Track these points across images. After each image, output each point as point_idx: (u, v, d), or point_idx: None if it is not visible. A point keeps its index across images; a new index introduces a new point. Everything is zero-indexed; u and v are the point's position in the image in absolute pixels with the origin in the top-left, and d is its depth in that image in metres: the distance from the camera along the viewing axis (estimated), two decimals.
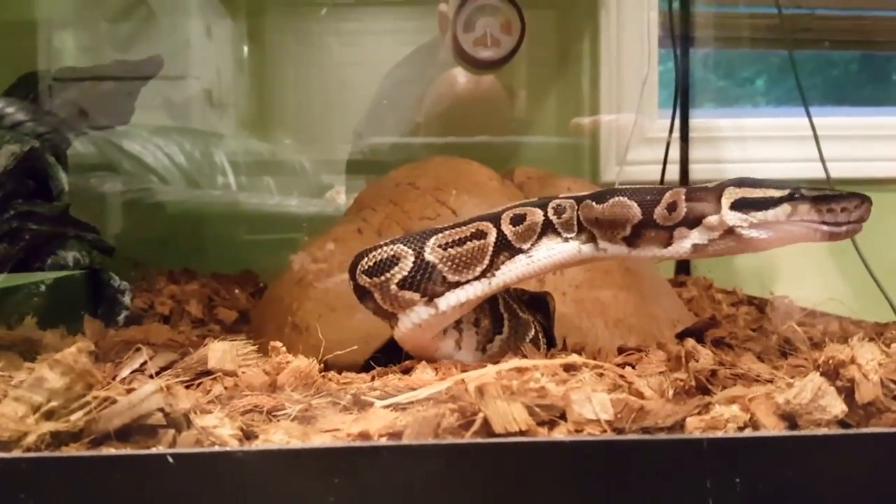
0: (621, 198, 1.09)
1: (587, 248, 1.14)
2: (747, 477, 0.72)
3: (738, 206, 1.00)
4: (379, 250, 1.12)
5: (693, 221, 1.05)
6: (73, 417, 0.74)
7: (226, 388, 0.98)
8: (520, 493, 0.75)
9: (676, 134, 2.28)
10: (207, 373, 1.02)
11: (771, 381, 1.01)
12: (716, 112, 2.41)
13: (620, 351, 1.22)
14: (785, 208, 0.98)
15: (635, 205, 1.08)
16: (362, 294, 1.15)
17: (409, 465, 0.74)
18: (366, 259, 1.12)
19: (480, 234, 1.13)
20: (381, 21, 2.38)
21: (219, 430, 0.75)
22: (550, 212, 1.15)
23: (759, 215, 0.99)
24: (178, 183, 2.26)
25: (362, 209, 1.62)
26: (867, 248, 1.90)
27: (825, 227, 0.97)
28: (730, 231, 1.02)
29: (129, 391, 0.75)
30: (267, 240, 2.22)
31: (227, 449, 0.73)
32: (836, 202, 0.96)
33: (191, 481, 0.71)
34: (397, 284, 1.10)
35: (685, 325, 1.48)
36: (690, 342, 1.03)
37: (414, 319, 1.12)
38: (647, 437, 0.76)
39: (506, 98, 2.29)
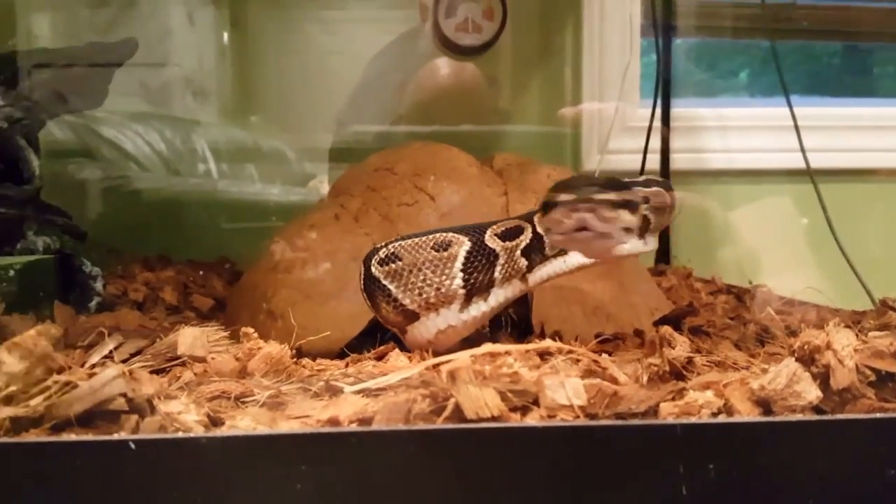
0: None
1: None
2: (721, 463, 0.71)
3: None
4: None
5: None
6: (33, 402, 0.72)
7: (195, 374, 0.97)
8: (491, 480, 0.74)
9: (658, 123, 2.27)
10: (177, 359, 1.00)
11: (747, 369, 1.01)
12: (698, 102, 2.40)
13: (598, 338, 1.22)
14: None
15: None
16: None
17: (379, 452, 0.72)
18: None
19: None
20: (364, 9, 2.36)
21: (183, 415, 0.73)
22: None
23: None
24: (158, 170, 2.24)
25: (340, 195, 1.60)
26: (846, 237, 1.90)
27: None
28: None
29: (91, 376, 0.73)
30: (247, 228, 2.20)
31: (191, 435, 0.71)
32: None
33: (153, 468, 0.69)
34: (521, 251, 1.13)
35: (663, 313, 1.47)
36: (667, 329, 1.03)
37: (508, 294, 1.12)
38: (620, 422, 0.75)
39: (486, 87, 2.28)
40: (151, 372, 0.95)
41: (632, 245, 1.06)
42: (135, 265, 1.96)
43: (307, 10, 2.30)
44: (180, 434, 0.72)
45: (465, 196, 1.48)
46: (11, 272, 1.37)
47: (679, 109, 2.30)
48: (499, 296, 1.12)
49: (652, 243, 1.16)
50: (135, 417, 0.72)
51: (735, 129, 2.33)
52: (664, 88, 2.28)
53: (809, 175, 2.00)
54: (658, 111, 2.27)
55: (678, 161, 2.28)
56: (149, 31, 2.15)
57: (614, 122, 2.28)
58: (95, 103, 1.85)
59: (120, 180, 2.20)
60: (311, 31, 2.30)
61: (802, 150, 2.04)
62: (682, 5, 2.32)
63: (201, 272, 1.92)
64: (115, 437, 0.70)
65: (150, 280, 1.85)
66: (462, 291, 1.11)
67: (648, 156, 2.26)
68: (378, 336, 1.26)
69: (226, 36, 2.29)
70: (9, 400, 0.73)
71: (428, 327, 1.13)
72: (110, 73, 1.84)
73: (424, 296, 1.11)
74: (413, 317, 1.13)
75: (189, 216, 2.23)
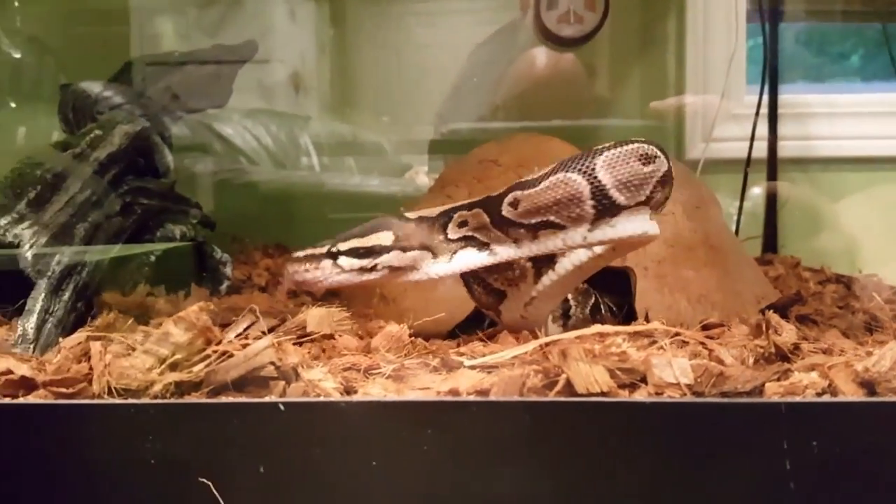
0: None
1: None
2: (825, 440, 0.74)
3: None
4: None
5: None
6: (196, 369, 0.82)
7: (323, 350, 1.06)
8: (601, 450, 0.80)
9: (764, 110, 2.24)
10: (306, 336, 1.10)
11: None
12: (806, 88, 2.35)
13: (703, 326, 1.24)
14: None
15: None
16: None
17: (496, 420, 0.79)
18: None
19: None
20: (461, 1, 2.40)
21: (323, 383, 0.83)
22: None
23: None
24: (265, 163, 2.35)
25: (446, 186, 1.67)
26: None
27: None
28: None
29: (245, 346, 0.83)
30: (350, 218, 2.28)
31: (331, 399, 0.80)
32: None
33: (299, 427, 0.79)
34: None
35: (770, 301, 1.47)
36: (774, 315, 1.05)
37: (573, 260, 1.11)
38: (725, 399, 0.79)
39: (586, 77, 2.29)
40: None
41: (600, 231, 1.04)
42: (255, 252, 2.10)
43: (405, 4, 2.36)
44: (322, 398, 0.81)
45: None
46: (153, 258, 1.51)
47: (787, 96, 2.26)
48: (565, 263, 1.11)
49: (630, 226, 1.05)
50: (282, 383, 0.82)
51: (846, 116, 2.27)
52: (771, 75, 2.24)
53: None
54: (765, 98, 2.24)
55: (786, 149, 2.24)
56: (254, 28, 2.25)
57: (719, 110, 2.26)
58: (221, 102, 1.99)
59: (232, 173, 2.34)
60: (408, 24, 2.36)
61: None
62: None
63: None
64: (267, 399, 0.80)
65: (270, 266, 1.98)
66: (528, 263, 1.12)
67: (755, 143, 2.23)
68: (485, 320, 1.33)
69: (326, 31, 2.39)
70: (174, 366, 0.84)
71: (516, 302, 1.16)
72: (234, 73, 1.98)
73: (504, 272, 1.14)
74: (501, 295, 1.18)
75: (298, 207, 2.34)
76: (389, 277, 1.09)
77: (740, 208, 2.21)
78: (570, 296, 1.33)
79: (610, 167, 1.02)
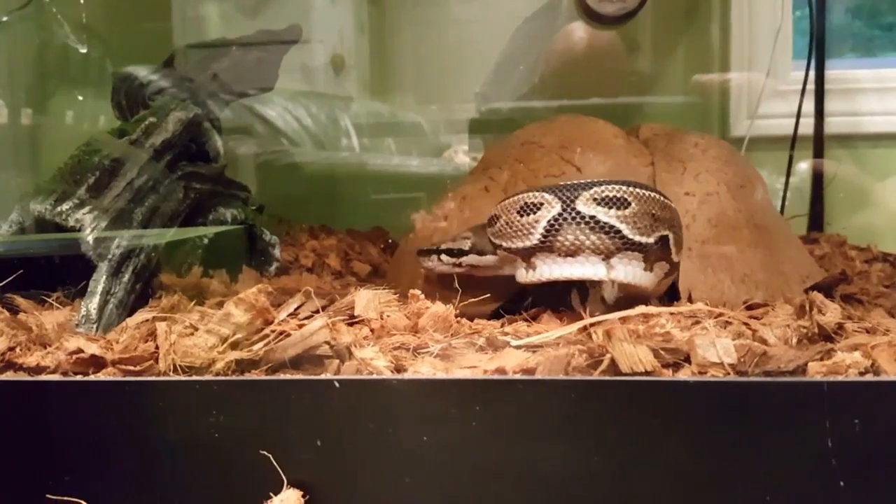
0: None
1: None
2: (866, 419, 0.76)
3: None
4: None
5: None
6: (255, 348, 0.87)
7: (372, 329, 1.09)
8: (644, 429, 0.82)
9: (811, 86, 2.20)
10: (355, 316, 1.13)
11: None
12: (855, 62, 2.30)
13: (747, 306, 1.24)
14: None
15: None
16: None
17: (542, 397, 0.82)
18: None
19: None
20: None
21: (375, 361, 0.86)
22: None
23: None
24: (307, 145, 2.38)
25: (488, 168, 1.69)
26: None
27: None
28: None
29: (301, 326, 0.87)
30: (393, 199, 2.31)
31: (383, 377, 0.84)
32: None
33: (353, 403, 0.82)
34: None
35: (815, 280, 1.47)
36: (817, 294, 1.05)
37: None
38: (768, 379, 0.80)
39: (625, 53, 2.28)
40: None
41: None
42: (301, 234, 2.15)
43: None
44: (374, 376, 0.85)
45: (610, 167, 1.53)
46: (206, 240, 1.56)
47: (834, 71, 2.23)
48: None
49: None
50: (336, 362, 0.86)
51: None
52: (818, 50, 2.21)
53: None
54: (812, 73, 2.21)
55: (833, 125, 2.21)
56: (293, 8, 2.27)
57: (765, 86, 2.23)
58: (268, 86, 2.03)
59: (274, 155, 2.37)
60: (448, 1, 2.37)
61: None
62: None
63: (390, 239, 2.10)
64: (323, 377, 0.84)
65: (316, 247, 2.02)
66: None
67: (802, 120, 2.20)
68: (529, 300, 1.35)
69: (365, 10, 2.39)
70: (235, 345, 0.88)
71: None
72: (279, 57, 2.01)
73: None
74: None
75: (340, 188, 2.38)
76: (472, 272, 1.32)
77: (786, 186, 2.19)
78: None
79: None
